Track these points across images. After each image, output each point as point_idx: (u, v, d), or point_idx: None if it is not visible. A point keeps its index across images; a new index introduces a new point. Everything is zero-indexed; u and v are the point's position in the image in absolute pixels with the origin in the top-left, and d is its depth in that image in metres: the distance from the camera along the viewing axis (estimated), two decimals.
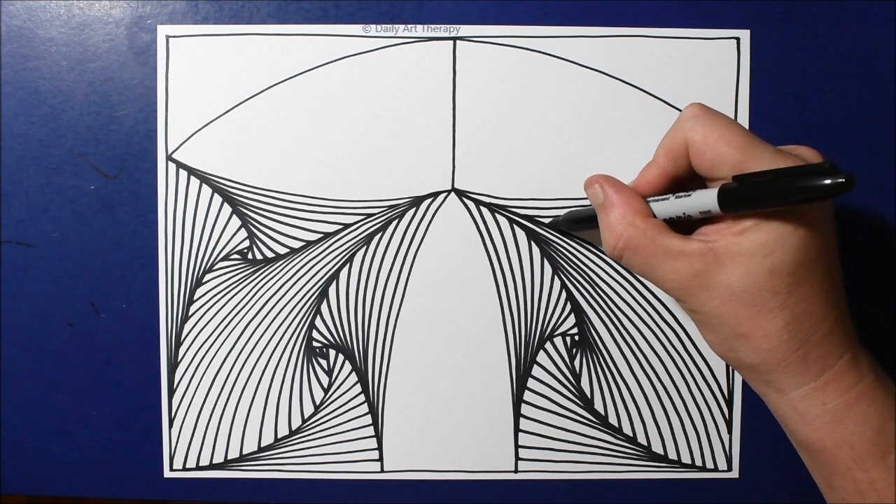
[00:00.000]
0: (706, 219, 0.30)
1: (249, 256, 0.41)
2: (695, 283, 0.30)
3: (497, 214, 0.41)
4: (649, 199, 0.32)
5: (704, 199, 0.29)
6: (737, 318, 0.29)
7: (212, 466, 0.41)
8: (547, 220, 0.40)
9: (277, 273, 0.41)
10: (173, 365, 0.41)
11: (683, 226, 0.31)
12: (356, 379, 0.41)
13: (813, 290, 0.29)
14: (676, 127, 0.31)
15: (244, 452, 0.41)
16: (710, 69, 0.40)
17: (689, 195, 0.30)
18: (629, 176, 0.40)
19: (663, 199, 0.32)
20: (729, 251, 0.29)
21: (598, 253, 0.41)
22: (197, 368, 0.41)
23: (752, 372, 0.31)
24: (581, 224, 0.37)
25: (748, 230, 0.29)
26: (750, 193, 0.28)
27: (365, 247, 0.41)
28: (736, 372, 0.41)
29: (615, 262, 0.33)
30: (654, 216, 0.32)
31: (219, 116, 0.40)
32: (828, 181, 0.25)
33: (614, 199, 0.32)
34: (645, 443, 0.41)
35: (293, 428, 0.41)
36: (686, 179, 0.32)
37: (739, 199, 0.28)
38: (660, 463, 0.41)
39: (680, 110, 0.40)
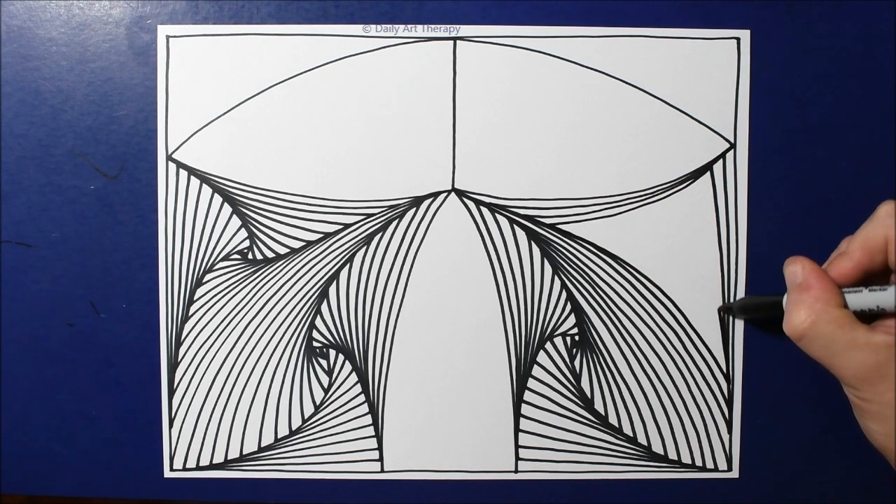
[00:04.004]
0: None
1: (249, 256, 0.41)
2: (876, 374, 0.32)
3: (497, 214, 0.41)
4: (842, 289, 0.34)
5: None
6: None
7: (212, 466, 0.41)
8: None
9: (277, 273, 0.41)
10: (173, 365, 0.41)
11: (867, 317, 0.33)
12: (356, 379, 0.41)
13: None
14: (875, 223, 0.33)
15: (244, 452, 0.41)
16: (710, 69, 0.40)
17: (884, 289, 0.33)
18: (628, 175, 0.40)
19: (856, 292, 0.34)
20: None
21: (599, 253, 0.41)
22: (197, 368, 0.41)
23: None
24: (757, 311, 0.39)
25: None
26: None
27: (365, 247, 0.41)
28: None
29: (793, 341, 0.34)
30: (846, 306, 0.34)
31: (219, 116, 0.40)
32: None
33: (812, 283, 0.34)
34: (645, 443, 0.41)
35: (293, 428, 0.41)
36: (878, 274, 0.34)
37: None
38: (660, 463, 0.41)
39: (680, 110, 0.40)
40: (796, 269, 0.35)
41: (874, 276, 0.35)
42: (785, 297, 0.36)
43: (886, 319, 0.33)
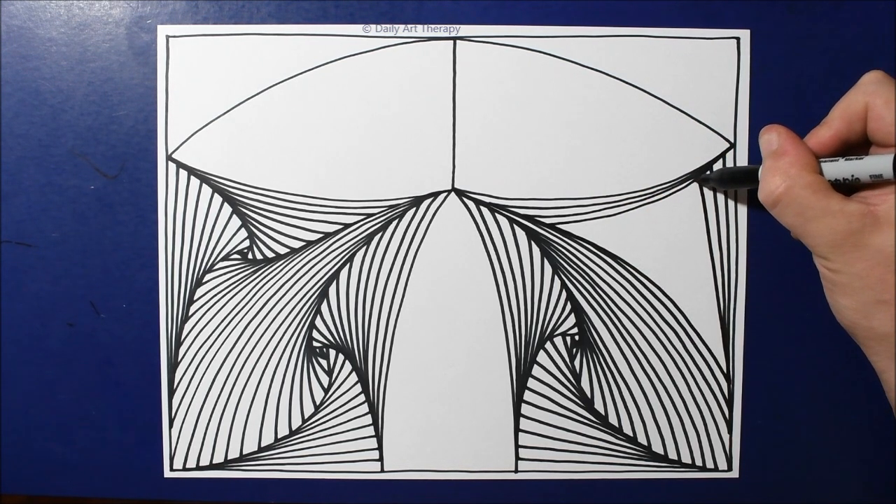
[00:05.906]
0: (869, 184, 0.32)
1: (249, 256, 0.41)
2: (848, 243, 0.31)
3: (497, 214, 0.41)
4: (819, 159, 0.34)
5: (878, 164, 0.31)
6: (883, 283, 0.30)
7: (212, 466, 0.42)
8: (547, 220, 0.40)
9: (277, 273, 0.41)
10: (173, 365, 0.41)
11: (843, 189, 0.33)
12: (356, 379, 0.41)
13: None
14: (857, 90, 0.33)
15: (244, 452, 0.41)
16: (710, 69, 0.40)
17: (860, 158, 0.32)
18: (628, 175, 0.40)
19: (832, 161, 0.33)
20: (889, 216, 0.30)
21: (598, 253, 0.41)
22: (197, 368, 0.41)
23: (881, 343, 0.31)
24: (734, 182, 0.39)
25: None
26: None
27: (365, 247, 0.41)
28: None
29: (767, 209, 0.34)
30: (821, 174, 0.33)
31: (219, 116, 0.40)
32: None
33: (787, 149, 0.34)
34: (645, 443, 0.41)
35: (293, 428, 0.41)
36: (855, 145, 0.34)
37: None
38: (660, 463, 0.41)
39: (680, 110, 0.40)
40: (771, 137, 0.35)
41: (852, 148, 0.34)
42: (761, 166, 0.36)
43: (862, 192, 0.33)
